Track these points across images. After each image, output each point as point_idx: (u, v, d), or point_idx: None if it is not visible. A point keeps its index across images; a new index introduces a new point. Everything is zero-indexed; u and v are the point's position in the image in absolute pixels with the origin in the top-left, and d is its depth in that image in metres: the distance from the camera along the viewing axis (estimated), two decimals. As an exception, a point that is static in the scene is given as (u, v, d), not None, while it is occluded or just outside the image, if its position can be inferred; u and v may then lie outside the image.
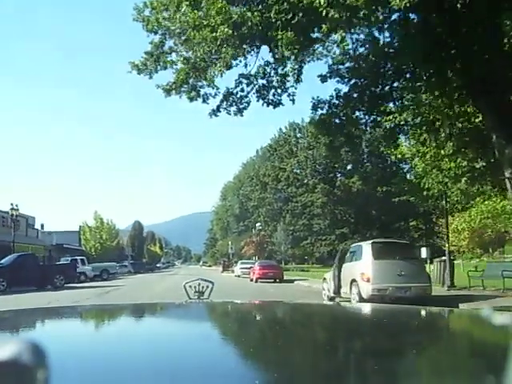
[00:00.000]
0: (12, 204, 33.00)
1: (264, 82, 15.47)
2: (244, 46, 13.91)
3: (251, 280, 28.71)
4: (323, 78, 14.13)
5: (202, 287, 2.21)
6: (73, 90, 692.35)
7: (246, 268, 36.27)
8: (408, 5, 9.38)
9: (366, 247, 11.85)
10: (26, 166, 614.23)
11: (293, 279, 27.20)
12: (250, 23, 12.12)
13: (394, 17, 12.21)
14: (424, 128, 14.14)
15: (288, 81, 15.32)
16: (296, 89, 15.47)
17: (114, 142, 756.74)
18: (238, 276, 37.03)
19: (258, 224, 57.52)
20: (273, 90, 15.45)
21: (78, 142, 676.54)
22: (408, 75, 13.64)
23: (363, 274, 11.13)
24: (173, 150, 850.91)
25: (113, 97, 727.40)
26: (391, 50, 13.05)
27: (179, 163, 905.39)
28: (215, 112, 15.05)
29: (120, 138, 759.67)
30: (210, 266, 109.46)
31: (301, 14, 11.40)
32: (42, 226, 59.97)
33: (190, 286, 2.23)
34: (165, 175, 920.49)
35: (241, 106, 15.29)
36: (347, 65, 14.41)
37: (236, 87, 15.20)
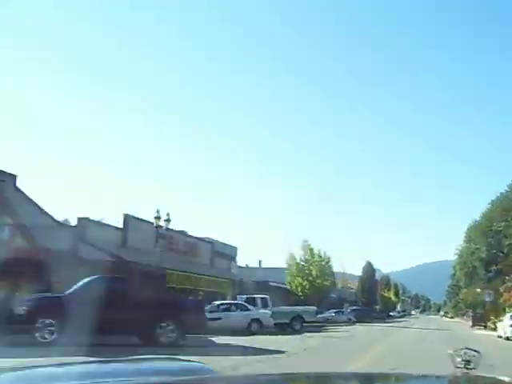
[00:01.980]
0: (158, 212, 23.77)
1: None
2: None
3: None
4: None
5: (468, 356, 2.15)
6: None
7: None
8: None
9: None
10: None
11: None
12: None
13: None
14: None
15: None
16: None
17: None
18: (507, 338, 23.48)
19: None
20: None
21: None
22: None
23: None
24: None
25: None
26: None
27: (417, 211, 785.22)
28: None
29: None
30: (451, 317, 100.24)
31: None
32: (260, 262, 54.70)
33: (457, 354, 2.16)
34: (407, 221, 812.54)
35: None
36: None
37: None
